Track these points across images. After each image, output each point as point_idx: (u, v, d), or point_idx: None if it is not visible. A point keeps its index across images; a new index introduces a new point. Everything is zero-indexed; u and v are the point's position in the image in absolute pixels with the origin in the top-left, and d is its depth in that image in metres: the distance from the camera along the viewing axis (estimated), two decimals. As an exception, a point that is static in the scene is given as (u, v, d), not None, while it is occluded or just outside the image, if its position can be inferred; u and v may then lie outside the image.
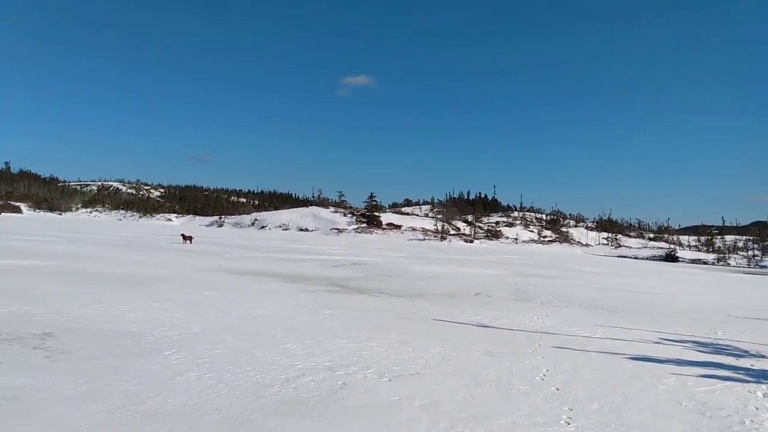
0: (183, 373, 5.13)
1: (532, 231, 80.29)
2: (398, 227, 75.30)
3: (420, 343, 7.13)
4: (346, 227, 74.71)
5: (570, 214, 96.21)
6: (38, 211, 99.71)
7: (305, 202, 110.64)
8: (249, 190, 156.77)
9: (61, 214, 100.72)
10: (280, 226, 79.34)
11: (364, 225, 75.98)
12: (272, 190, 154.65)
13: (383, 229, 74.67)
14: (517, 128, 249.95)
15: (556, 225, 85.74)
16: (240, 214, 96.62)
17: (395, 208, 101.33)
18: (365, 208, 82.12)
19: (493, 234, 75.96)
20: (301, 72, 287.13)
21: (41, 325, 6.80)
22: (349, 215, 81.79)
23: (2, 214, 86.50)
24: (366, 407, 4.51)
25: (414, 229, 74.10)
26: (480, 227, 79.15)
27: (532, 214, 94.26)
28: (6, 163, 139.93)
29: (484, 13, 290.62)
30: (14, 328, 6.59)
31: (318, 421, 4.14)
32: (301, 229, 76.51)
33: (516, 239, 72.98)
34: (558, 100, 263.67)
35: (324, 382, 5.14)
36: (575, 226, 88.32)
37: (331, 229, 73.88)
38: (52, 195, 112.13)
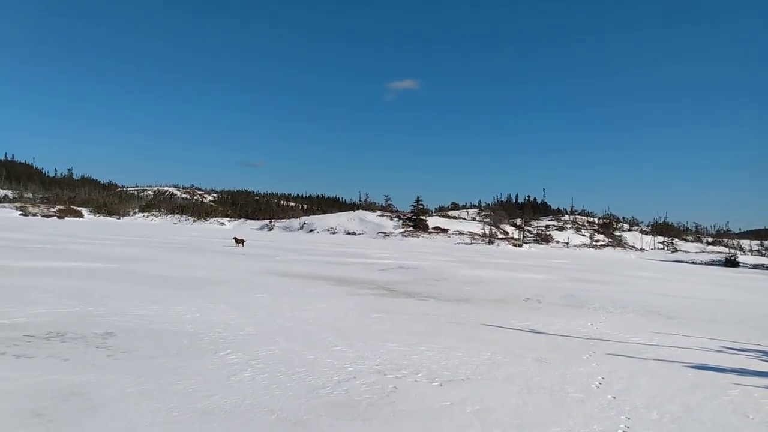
0: (238, 373, 5.25)
1: (583, 235, 78.30)
2: (445, 231, 74.89)
3: (470, 348, 7.06)
4: (393, 231, 74.84)
5: (623, 218, 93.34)
6: (98, 215, 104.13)
7: (352, 206, 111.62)
8: (298, 195, 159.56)
9: (119, 219, 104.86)
10: (328, 230, 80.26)
11: (411, 229, 75.92)
12: (320, 195, 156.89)
13: (430, 232, 74.43)
14: (566, 128, 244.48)
15: (608, 229, 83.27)
16: (289, 218, 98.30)
17: (442, 211, 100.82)
18: (412, 212, 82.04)
19: (543, 238, 74.52)
20: (349, 78, 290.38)
21: (103, 325, 7.09)
22: (396, 219, 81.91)
23: (65, 218, 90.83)
24: (417, 412, 4.49)
25: (461, 233, 73.52)
26: (529, 231, 77.82)
27: (584, 217, 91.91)
28: (69, 169, 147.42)
29: (532, 14, 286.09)
30: (78, 327, 6.90)
31: (370, 424, 4.15)
32: (349, 233, 77.14)
33: (567, 243, 71.36)
34: (611, 101, 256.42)
35: (375, 385, 5.16)
36: (629, 230, 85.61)
37: (378, 233, 74.16)
38: (111, 200, 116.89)
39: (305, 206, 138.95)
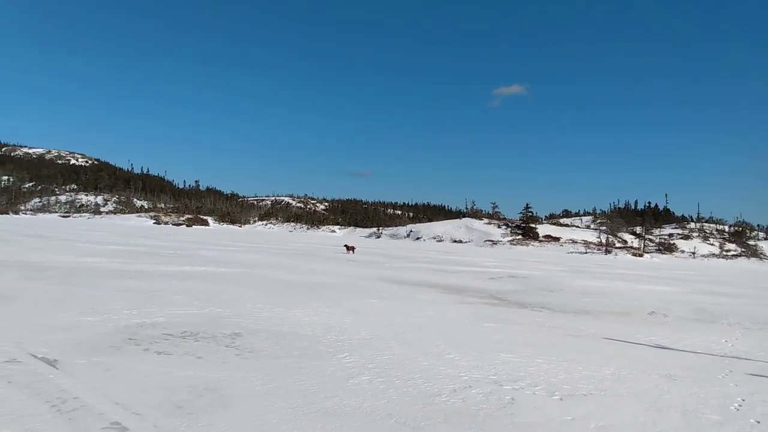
0: (356, 376, 5.39)
1: (712, 244, 71.79)
2: (557, 239, 72.03)
3: (591, 362, 6.72)
4: (501, 239, 73.28)
5: (759, 225, 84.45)
6: (222, 223, 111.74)
7: (458, 214, 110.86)
8: (404, 203, 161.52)
9: (240, 227, 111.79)
10: (434, 238, 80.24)
11: (520, 237, 73.90)
12: (426, 203, 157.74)
13: (540, 241, 71.98)
14: (688, 128, 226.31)
15: (741, 237, 75.65)
16: (396, 226, 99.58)
17: (552, 219, 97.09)
18: (520, 220, 79.82)
19: (666, 247, 69.34)
20: (453, 85, 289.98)
21: (231, 326, 7.58)
22: (504, 227, 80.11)
23: (193, 226, 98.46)
24: (537, 425, 4.35)
25: (574, 242, 70.37)
26: (650, 240, 72.77)
27: (712, 225, 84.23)
28: (196, 181, 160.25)
29: (646, 13, 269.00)
30: (209, 327, 7.43)
31: (488, 435, 4.08)
32: (455, 241, 76.62)
33: (693, 253, 65.87)
34: (739, 101, 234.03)
35: (491, 395, 5.06)
36: (765, 238, 77.30)
37: (485, 241, 72.96)
38: (233, 209, 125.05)
39: (411, 214, 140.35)
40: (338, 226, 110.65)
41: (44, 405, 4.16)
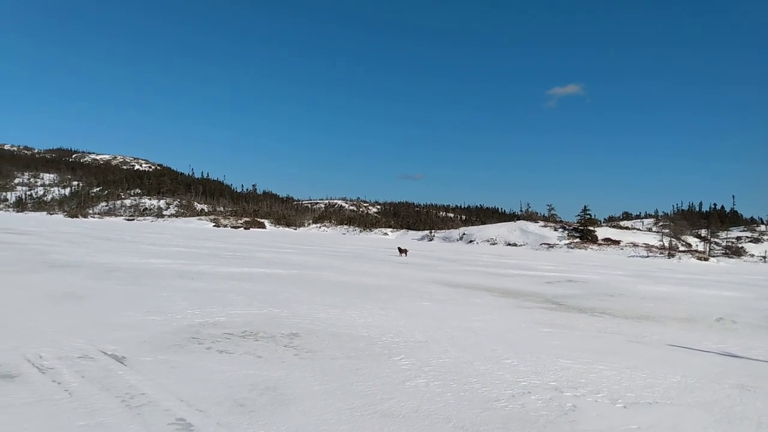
0: (412, 378, 5.38)
1: (786, 248, 67.79)
2: (616, 243, 69.76)
3: (654, 369, 6.45)
4: (557, 242, 71.61)
5: (839, 228, 79.08)
6: (278, 226, 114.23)
7: (512, 217, 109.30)
8: (456, 205, 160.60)
9: (295, 229, 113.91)
10: (488, 241, 79.28)
11: (577, 240, 72.01)
12: (479, 205, 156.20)
13: (599, 244, 69.91)
14: (755, 131, 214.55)
15: (819, 241, 71.12)
16: (448, 229, 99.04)
17: (612, 222, 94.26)
18: (578, 222, 77.81)
19: (734, 251, 65.94)
20: (506, 86, 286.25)
21: (288, 326, 7.72)
22: (560, 229, 78.26)
23: (250, 229, 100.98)
24: (601, 434, 4.21)
25: (635, 245, 67.89)
26: (716, 243, 69.39)
27: (786, 227, 79.59)
28: (253, 185, 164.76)
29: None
30: (268, 327, 7.59)
31: (549, 442, 3.98)
32: (509, 244, 75.43)
33: (764, 257, 62.38)
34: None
35: (552, 402, 4.95)
36: None
37: (541, 244, 71.48)
38: (288, 212, 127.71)
39: (464, 217, 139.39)
40: (390, 229, 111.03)
41: (114, 399, 4.35)
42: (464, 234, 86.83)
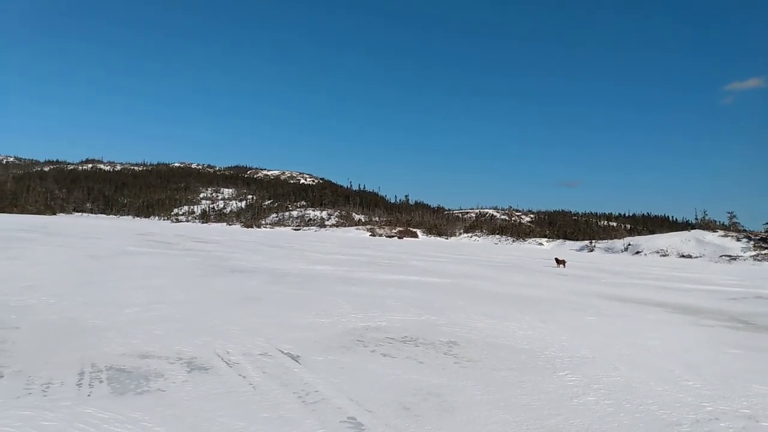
0: (580, 395, 5.11)
1: None
2: (819, 255, 60.03)
3: None
4: (741, 254, 63.48)
5: None
6: (429, 235, 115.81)
7: (685, 226, 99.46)
8: (619, 213, 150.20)
9: (447, 239, 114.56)
10: (657, 252, 72.78)
11: (766, 252, 63.21)
12: (645, 213, 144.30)
13: (795, 257, 60.67)
14: None
15: None
16: (611, 239, 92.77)
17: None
18: (766, 231, 68.33)
19: None
20: (674, 84, 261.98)
21: (446, 334, 7.77)
22: (744, 240, 69.25)
23: (404, 238, 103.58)
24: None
25: (844, 259, 57.86)
26: None
27: None
28: (405, 196, 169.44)
29: None
30: (427, 334, 7.70)
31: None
32: (683, 256, 68.52)
33: None
34: None
35: (744, 431, 4.39)
36: None
37: (721, 256, 63.87)
38: (439, 222, 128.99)
39: (628, 226, 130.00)
40: (545, 239, 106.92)
41: (292, 395, 4.70)
42: (629, 244, 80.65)
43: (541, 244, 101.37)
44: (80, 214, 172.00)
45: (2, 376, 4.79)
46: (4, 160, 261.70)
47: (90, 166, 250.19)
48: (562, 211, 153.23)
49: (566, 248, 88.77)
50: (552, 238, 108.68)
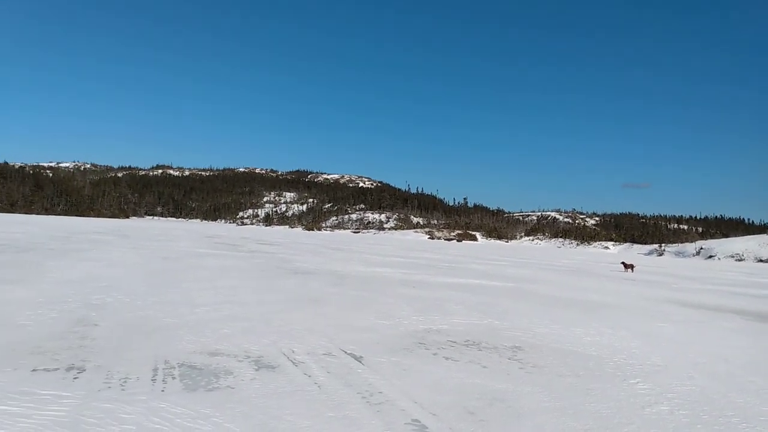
0: (652, 405, 4.90)
1: None
2: None
3: None
4: (830, 259, 59.18)
5: None
6: (489, 239, 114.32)
7: (763, 228, 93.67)
8: (690, 216, 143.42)
9: (507, 242, 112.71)
10: (732, 256, 68.93)
11: None
12: (718, 215, 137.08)
13: None
14: None
15: None
16: (682, 242, 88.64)
17: None
18: None
19: None
20: (752, 88, 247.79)
21: (510, 339, 7.64)
22: (834, 244, 64.57)
23: (463, 241, 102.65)
24: None
25: None
26: None
27: None
28: (464, 199, 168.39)
29: None
30: (489, 338, 7.60)
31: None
32: (761, 260, 64.59)
33: None
34: None
35: (839, 450, 4.09)
36: None
37: (806, 262, 59.77)
38: (499, 225, 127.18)
39: (700, 229, 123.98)
40: (611, 242, 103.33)
41: (356, 395, 4.75)
42: (702, 248, 76.77)
43: (606, 247, 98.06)
44: (151, 217, 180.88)
45: (85, 370, 5.09)
46: (82, 167, 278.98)
47: (160, 171, 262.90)
48: (630, 213, 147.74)
49: (634, 252, 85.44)
50: (618, 241, 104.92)
